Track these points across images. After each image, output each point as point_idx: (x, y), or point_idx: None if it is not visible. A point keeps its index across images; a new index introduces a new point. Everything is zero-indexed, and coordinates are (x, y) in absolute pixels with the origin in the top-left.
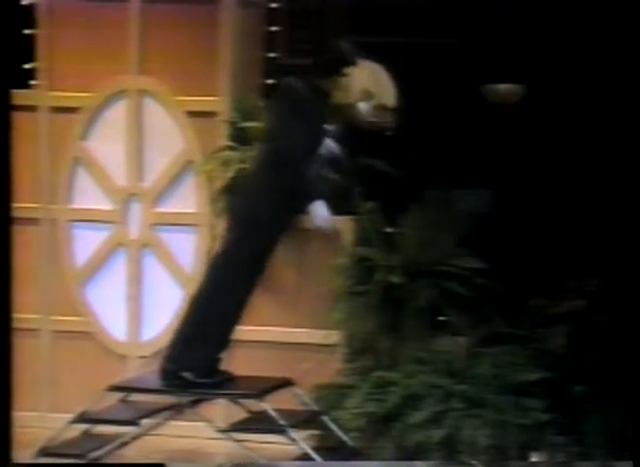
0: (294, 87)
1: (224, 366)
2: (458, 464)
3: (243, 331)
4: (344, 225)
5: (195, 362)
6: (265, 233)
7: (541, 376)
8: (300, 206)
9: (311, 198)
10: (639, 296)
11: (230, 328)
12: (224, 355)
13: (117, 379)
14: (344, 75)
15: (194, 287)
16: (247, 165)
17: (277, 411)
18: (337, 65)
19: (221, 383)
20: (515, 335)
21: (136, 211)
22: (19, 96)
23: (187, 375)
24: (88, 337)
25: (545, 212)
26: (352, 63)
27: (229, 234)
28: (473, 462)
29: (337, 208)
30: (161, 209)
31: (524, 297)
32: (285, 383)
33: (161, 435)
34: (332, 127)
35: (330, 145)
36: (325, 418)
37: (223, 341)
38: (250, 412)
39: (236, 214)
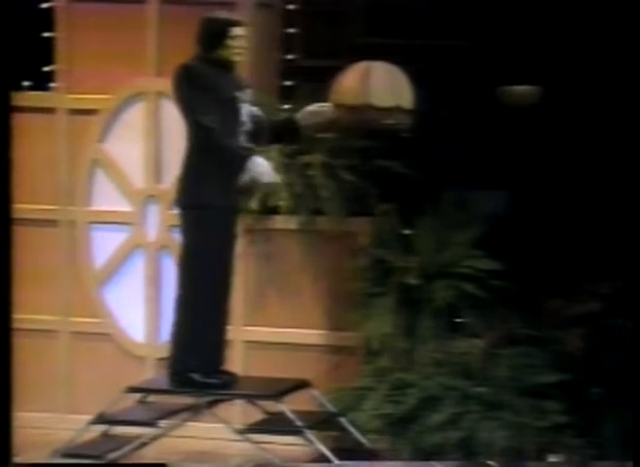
0: (186, 66)
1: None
2: (475, 465)
3: (260, 332)
4: (362, 226)
5: (200, 362)
6: (215, 211)
7: (558, 378)
8: (236, 172)
9: (245, 158)
10: None
11: (220, 324)
12: (225, 354)
13: (135, 381)
14: (227, 45)
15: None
16: None
17: (294, 412)
18: (217, 35)
19: (229, 383)
20: (532, 336)
21: (154, 213)
22: (38, 98)
23: (194, 376)
24: (107, 338)
25: (561, 214)
26: (227, 33)
27: (182, 230)
28: (490, 463)
29: (354, 210)
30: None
31: (541, 298)
32: (302, 385)
33: (179, 436)
34: (244, 93)
35: (249, 109)
36: (342, 420)
37: (219, 339)
38: (267, 413)
39: (182, 207)
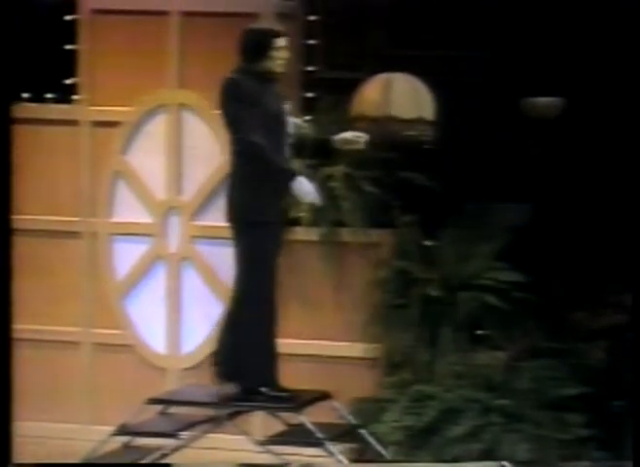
0: (230, 80)
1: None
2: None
3: (282, 344)
4: (383, 238)
5: (265, 376)
6: (263, 227)
7: (581, 390)
8: (283, 189)
9: (291, 177)
10: None
11: (273, 334)
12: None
13: (156, 392)
14: (271, 56)
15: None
16: None
17: (315, 423)
18: (261, 47)
19: (293, 397)
20: (554, 349)
21: (176, 224)
22: (61, 111)
23: (265, 390)
24: (129, 349)
25: (584, 226)
26: (271, 44)
27: (235, 242)
28: (504, 463)
29: (375, 221)
30: (201, 222)
31: (564, 311)
32: (323, 396)
33: (201, 447)
34: (288, 106)
35: (293, 122)
36: (363, 432)
37: (275, 352)
38: (288, 424)
39: (234, 220)
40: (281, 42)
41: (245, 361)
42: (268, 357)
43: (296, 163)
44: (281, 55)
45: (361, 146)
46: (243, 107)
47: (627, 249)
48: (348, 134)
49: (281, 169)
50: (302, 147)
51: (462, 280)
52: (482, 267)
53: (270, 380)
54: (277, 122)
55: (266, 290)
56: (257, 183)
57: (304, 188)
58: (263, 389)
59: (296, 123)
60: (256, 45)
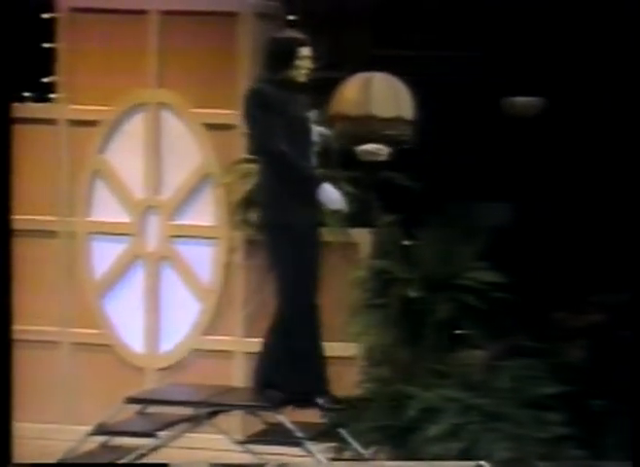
0: (254, 89)
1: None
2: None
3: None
4: (363, 237)
5: (315, 384)
6: (297, 234)
7: (560, 389)
8: (310, 196)
9: (317, 184)
10: None
11: (317, 340)
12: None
13: (135, 391)
14: (295, 65)
15: (213, 300)
16: None
17: (294, 423)
18: (286, 56)
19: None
20: (533, 348)
21: (154, 224)
22: (39, 110)
23: (321, 402)
24: (107, 349)
25: (565, 225)
26: (295, 53)
27: (269, 251)
28: (482, 463)
29: (355, 221)
30: (179, 222)
31: (544, 310)
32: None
33: (179, 447)
34: (313, 114)
35: (318, 130)
36: (343, 431)
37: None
38: (267, 423)
39: (266, 230)
40: (305, 51)
41: (292, 369)
42: (315, 364)
43: (321, 171)
44: (305, 65)
45: (383, 157)
46: (268, 116)
47: (607, 249)
48: (370, 146)
49: (307, 177)
50: (325, 156)
51: (442, 280)
52: (462, 267)
53: (320, 388)
54: (302, 130)
55: (304, 295)
56: (284, 190)
57: (331, 195)
58: (318, 401)
59: (320, 131)
60: (280, 54)
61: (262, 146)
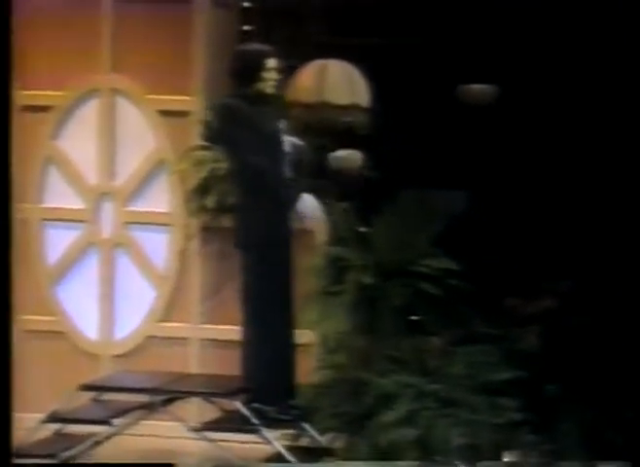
0: (225, 105)
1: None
2: (441, 464)
3: (216, 330)
4: (318, 225)
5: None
6: (272, 249)
7: (514, 375)
8: (286, 209)
9: (292, 196)
10: (614, 295)
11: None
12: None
13: (89, 379)
14: (262, 78)
15: (168, 287)
16: (220, 165)
17: (251, 409)
18: (252, 69)
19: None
20: (488, 334)
21: (108, 210)
22: None
23: (269, 411)
24: (60, 336)
25: (518, 213)
26: (262, 66)
27: (244, 267)
28: (456, 463)
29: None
30: (134, 208)
31: (498, 297)
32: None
33: (135, 435)
34: (285, 125)
35: (291, 141)
36: (299, 418)
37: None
38: (223, 411)
39: (239, 247)
40: (271, 63)
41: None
42: (277, 376)
43: (297, 182)
44: (272, 76)
45: (357, 164)
46: (240, 130)
47: (560, 236)
48: (342, 152)
49: (282, 190)
50: (299, 165)
51: (397, 267)
52: (417, 253)
53: (278, 399)
54: (274, 142)
55: (274, 311)
56: (259, 205)
57: (307, 207)
58: (264, 408)
59: (292, 141)
60: (247, 67)
61: (236, 162)
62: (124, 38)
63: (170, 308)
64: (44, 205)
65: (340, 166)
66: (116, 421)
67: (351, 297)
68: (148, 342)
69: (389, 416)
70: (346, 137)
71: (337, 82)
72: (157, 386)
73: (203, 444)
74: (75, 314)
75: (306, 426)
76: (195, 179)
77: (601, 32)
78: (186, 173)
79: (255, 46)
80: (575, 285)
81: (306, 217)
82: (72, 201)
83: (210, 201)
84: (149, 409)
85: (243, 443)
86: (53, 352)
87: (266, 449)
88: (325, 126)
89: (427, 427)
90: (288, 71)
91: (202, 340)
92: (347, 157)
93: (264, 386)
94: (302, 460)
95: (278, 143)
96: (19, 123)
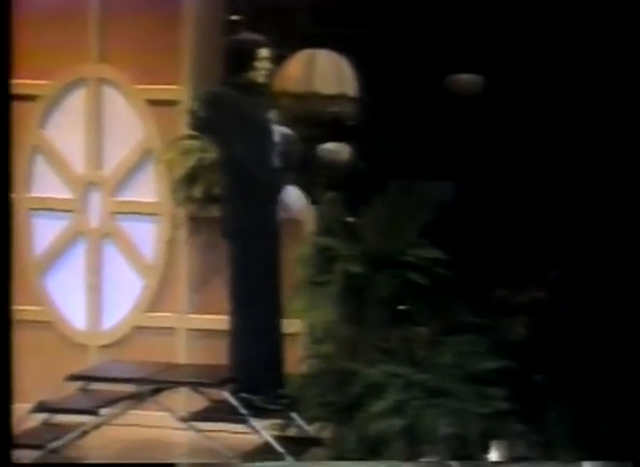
0: (214, 93)
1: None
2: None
3: (203, 320)
4: (306, 214)
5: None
6: (259, 239)
7: (502, 364)
8: (272, 200)
9: (279, 188)
10: (602, 285)
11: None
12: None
13: (76, 369)
14: (254, 67)
15: (156, 277)
16: (208, 155)
17: (239, 399)
18: (244, 58)
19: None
20: (476, 324)
21: (96, 200)
22: None
23: (255, 399)
24: (48, 326)
25: (506, 203)
26: (255, 55)
27: (231, 257)
28: (452, 463)
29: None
30: (121, 198)
31: (486, 287)
32: None
33: (122, 424)
34: (275, 115)
35: (280, 131)
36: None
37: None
38: (211, 400)
39: (226, 236)
40: (263, 52)
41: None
42: (265, 366)
43: (284, 173)
44: (264, 66)
45: (345, 156)
46: (228, 119)
47: (548, 226)
48: (331, 145)
49: (269, 180)
50: (287, 155)
51: (385, 257)
52: (405, 243)
53: (266, 389)
54: (263, 132)
55: (262, 301)
56: (246, 195)
57: (292, 198)
58: (253, 397)
59: (282, 131)
60: (239, 56)
61: (222, 150)
62: (112, 27)
63: (158, 298)
64: (31, 195)
65: (329, 158)
66: (103, 411)
67: (339, 287)
68: (136, 332)
69: (377, 406)
70: (334, 127)
71: (325, 71)
72: (144, 376)
73: (191, 434)
74: (62, 304)
75: (294, 416)
76: (182, 169)
77: (587, 22)
78: (173, 163)
79: (248, 35)
80: (562, 275)
81: (292, 208)
82: (59, 191)
83: (197, 191)
84: (137, 398)
85: (231, 433)
86: (40, 342)
87: (254, 439)
88: (313, 116)
89: (415, 417)
90: (276, 61)
91: (190, 329)
92: (336, 149)
93: (251, 376)
94: (291, 450)
95: (267, 133)
96: None
